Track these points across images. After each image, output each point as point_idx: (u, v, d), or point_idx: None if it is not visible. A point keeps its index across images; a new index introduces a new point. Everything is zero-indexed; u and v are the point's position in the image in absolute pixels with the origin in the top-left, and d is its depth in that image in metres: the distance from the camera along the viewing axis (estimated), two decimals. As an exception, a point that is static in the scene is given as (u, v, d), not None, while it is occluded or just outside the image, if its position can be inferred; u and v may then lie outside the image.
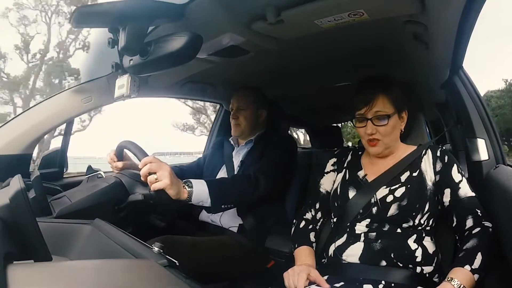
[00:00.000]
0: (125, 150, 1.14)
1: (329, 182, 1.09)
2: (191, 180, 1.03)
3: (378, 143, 0.96)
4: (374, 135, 0.95)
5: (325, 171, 1.12)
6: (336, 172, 1.09)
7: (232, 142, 1.53)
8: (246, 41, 1.05)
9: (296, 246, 1.03)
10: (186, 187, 1.00)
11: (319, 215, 1.08)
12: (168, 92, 1.64)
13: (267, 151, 1.35)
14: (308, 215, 1.09)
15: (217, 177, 1.43)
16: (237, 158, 1.46)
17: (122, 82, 0.98)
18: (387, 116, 0.94)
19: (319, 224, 1.08)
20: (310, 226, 1.06)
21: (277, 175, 1.28)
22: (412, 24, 0.93)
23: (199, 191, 1.03)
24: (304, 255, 0.99)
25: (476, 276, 0.75)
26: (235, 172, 1.40)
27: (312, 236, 1.04)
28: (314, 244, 1.03)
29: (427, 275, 0.88)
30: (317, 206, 1.09)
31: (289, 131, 3.00)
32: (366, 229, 0.93)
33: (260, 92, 1.53)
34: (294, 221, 1.11)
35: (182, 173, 1.46)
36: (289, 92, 1.89)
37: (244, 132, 1.46)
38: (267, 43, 1.08)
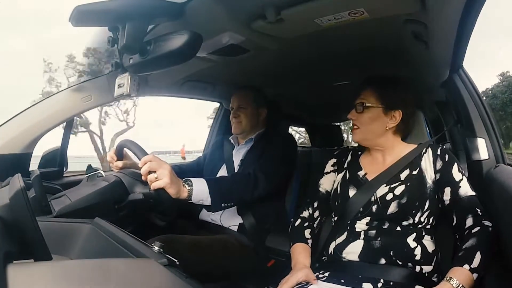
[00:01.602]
0: (125, 149, 1.14)
1: (329, 182, 1.10)
2: (191, 179, 1.03)
3: (356, 130, 1.02)
4: (354, 121, 1.02)
5: (325, 171, 1.12)
6: (336, 173, 1.09)
7: (232, 141, 1.53)
8: (246, 40, 1.05)
9: (291, 244, 1.04)
10: (186, 186, 1.00)
11: (316, 213, 1.09)
12: (168, 91, 1.64)
13: (267, 150, 1.35)
14: (305, 213, 1.09)
15: (217, 176, 1.43)
16: (237, 157, 1.46)
17: (122, 81, 0.98)
18: (363, 105, 0.99)
19: (316, 222, 1.09)
20: (306, 224, 1.07)
21: (277, 174, 1.28)
22: (412, 23, 0.93)
23: (199, 189, 1.03)
24: (297, 252, 1.00)
25: (475, 276, 0.75)
26: (235, 171, 1.40)
27: (307, 233, 1.05)
28: (309, 241, 1.04)
29: (426, 274, 0.88)
30: (315, 205, 1.09)
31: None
32: (366, 227, 0.93)
33: (260, 91, 1.53)
34: (292, 220, 1.11)
35: (182, 172, 1.46)
36: (289, 90, 1.89)
37: (245, 131, 1.46)
38: (267, 42, 1.08)
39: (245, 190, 1.16)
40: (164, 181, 0.93)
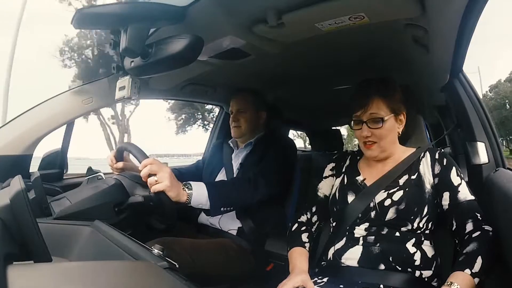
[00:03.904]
0: (125, 151, 1.14)
1: (327, 186, 1.09)
2: (190, 182, 1.03)
3: (374, 146, 0.96)
4: (370, 138, 0.96)
5: (324, 175, 1.12)
6: (334, 177, 1.09)
7: (231, 145, 1.53)
8: (247, 43, 1.05)
9: (289, 248, 1.03)
10: (186, 189, 1.00)
11: (314, 218, 1.08)
12: (169, 94, 1.64)
13: (266, 153, 1.35)
14: (303, 218, 1.09)
15: (217, 179, 1.43)
16: (236, 160, 1.46)
17: (123, 84, 0.99)
18: (382, 119, 0.94)
19: (314, 227, 1.08)
20: (303, 228, 1.06)
21: (277, 178, 1.28)
22: (412, 28, 0.93)
23: (199, 193, 1.03)
24: (294, 256, 0.99)
25: (476, 280, 0.75)
26: (235, 175, 1.40)
27: (304, 236, 1.04)
28: (307, 245, 1.03)
29: (426, 279, 0.87)
30: (314, 209, 1.09)
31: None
32: (365, 233, 0.92)
33: (259, 94, 1.53)
34: (290, 224, 1.11)
35: (182, 175, 1.46)
36: (290, 94, 1.90)
37: (244, 135, 1.46)
38: (268, 46, 1.08)
39: (244, 194, 1.16)
40: (164, 184, 0.93)
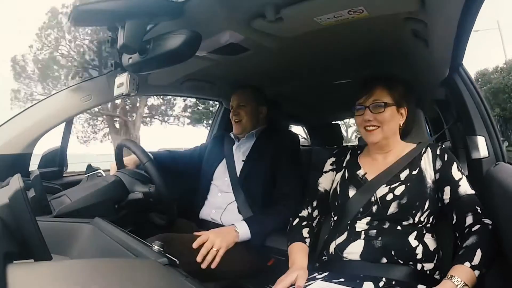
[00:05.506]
0: (124, 148, 1.14)
1: (328, 181, 1.10)
2: (234, 224, 1.14)
3: (376, 130, 0.97)
4: (372, 122, 0.97)
5: (324, 170, 1.12)
6: (335, 172, 1.09)
7: (232, 136, 1.53)
8: (246, 38, 1.05)
9: (289, 243, 1.04)
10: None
11: (315, 213, 1.09)
12: (168, 90, 1.64)
13: (278, 161, 1.37)
14: (304, 213, 1.09)
15: (217, 171, 1.44)
16: (237, 152, 1.46)
17: (122, 81, 0.98)
18: (384, 103, 0.96)
19: (315, 221, 1.09)
20: (304, 223, 1.07)
21: (299, 184, 1.34)
22: (412, 21, 0.92)
23: (243, 232, 1.16)
24: (294, 252, 1.00)
25: (476, 273, 0.75)
26: (236, 167, 1.40)
27: (305, 232, 1.04)
28: (308, 240, 1.03)
29: (427, 272, 0.88)
30: (314, 204, 1.09)
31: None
32: (366, 227, 0.93)
33: (260, 89, 1.53)
34: (291, 219, 1.11)
35: (173, 160, 1.51)
36: (289, 89, 1.89)
37: (246, 129, 1.46)
38: (266, 41, 1.08)
39: (282, 222, 1.21)
40: (222, 250, 1.08)
